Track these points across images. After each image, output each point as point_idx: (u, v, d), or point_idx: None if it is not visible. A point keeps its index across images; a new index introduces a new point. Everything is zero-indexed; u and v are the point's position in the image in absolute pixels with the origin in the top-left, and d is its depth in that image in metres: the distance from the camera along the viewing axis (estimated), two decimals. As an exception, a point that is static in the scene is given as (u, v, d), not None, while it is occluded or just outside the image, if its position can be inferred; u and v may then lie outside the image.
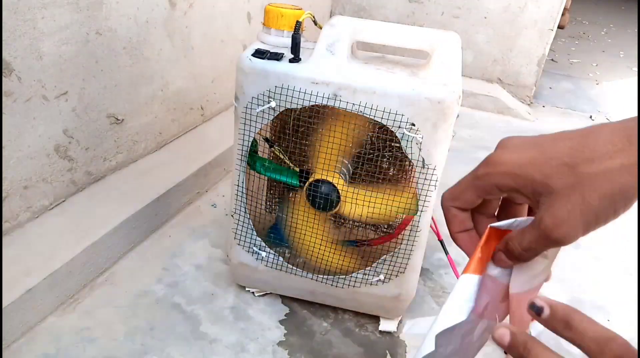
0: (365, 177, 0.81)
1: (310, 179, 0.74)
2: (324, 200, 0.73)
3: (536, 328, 0.36)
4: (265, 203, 0.89)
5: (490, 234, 0.34)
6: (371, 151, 0.79)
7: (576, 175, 0.28)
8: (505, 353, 0.35)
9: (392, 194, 0.74)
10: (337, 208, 0.74)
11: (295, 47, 0.68)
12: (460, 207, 0.35)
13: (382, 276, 0.78)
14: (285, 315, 0.85)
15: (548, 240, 0.30)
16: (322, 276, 0.80)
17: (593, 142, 0.29)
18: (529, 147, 0.32)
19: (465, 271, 0.35)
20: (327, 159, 0.72)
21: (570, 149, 0.29)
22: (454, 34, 0.69)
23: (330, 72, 0.67)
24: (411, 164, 0.70)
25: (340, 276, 0.79)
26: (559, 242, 0.30)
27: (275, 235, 0.84)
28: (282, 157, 0.78)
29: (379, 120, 0.67)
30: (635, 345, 0.29)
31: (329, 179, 0.73)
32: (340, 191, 0.73)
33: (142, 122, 1.10)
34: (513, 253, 0.32)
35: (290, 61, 0.68)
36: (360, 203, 0.73)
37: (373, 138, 0.79)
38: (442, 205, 0.36)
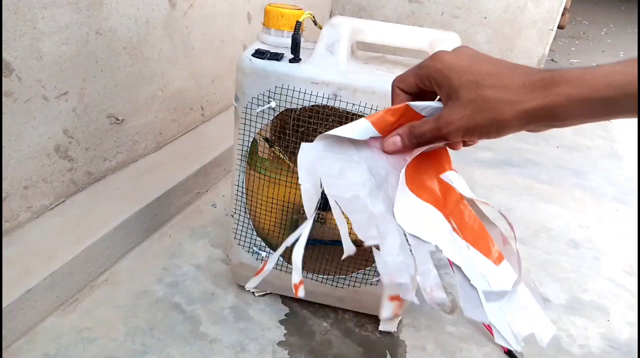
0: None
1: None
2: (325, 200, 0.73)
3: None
4: (266, 203, 0.89)
5: (406, 111, 0.40)
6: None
7: (478, 94, 0.35)
8: None
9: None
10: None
11: (295, 48, 0.68)
12: (404, 89, 0.42)
13: (382, 276, 0.78)
14: (285, 315, 0.85)
15: (438, 133, 0.38)
16: (322, 276, 0.80)
17: (504, 73, 0.35)
18: (470, 58, 0.37)
19: (367, 117, 0.42)
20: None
21: (487, 73, 0.35)
22: (454, 34, 0.69)
23: (330, 72, 0.67)
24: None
25: (341, 276, 0.80)
26: (444, 137, 0.38)
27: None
28: (282, 157, 0.78)
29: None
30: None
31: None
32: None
33: (142, 122, 1.10)
34: (413, 134, 0.40)
35: (290, 61, 0.68)
36: None
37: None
38: (391, 85, 0.42)
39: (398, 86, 0.42)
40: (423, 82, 0.40)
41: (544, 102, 0.33)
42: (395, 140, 0.41)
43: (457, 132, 0.37)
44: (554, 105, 0.32)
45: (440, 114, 0.38)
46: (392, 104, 0.42)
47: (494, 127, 0.36)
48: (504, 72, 0.35)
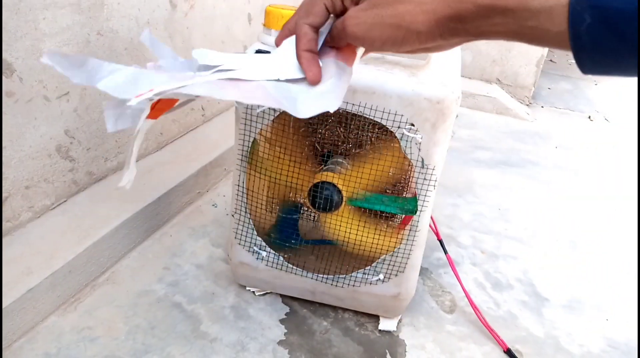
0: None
1: (309, 186, 0.74)
2: (325, 201, 0.74)
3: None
4: (266, 203, 0.89)
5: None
6: (371, 151, 0.80)
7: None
8: None
9: (387, 158, 0.74)
10: (342, 207, 0.74)
11: (296, 48, 0.68)
12: (312, 24, 0.38)
13: (381, 276, 0.78)
14: (285, 314, 0.86)
15: (342, 28, 0.36)
16: (322, 275, 0.81)
17: None
18: None
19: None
20: (294, 168, 0.72)
21: None
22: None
23: (331, 72, 0.67)
24: (410, 164, 0.70)
25: (341, 276, 0.80)
26: (346, 31, 0.36)
27: (275, 236, 0.84)
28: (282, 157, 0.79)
29: (379, 120, 0.67)
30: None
31: (323, 178, 0.73)
32: (341, 189, 0.73)
33: (142, 122, 1.10)
34: (331, 35, 0.38)
35: (291, 61, 0.68)
36: (364, 182, 0.73)
37: (373, 138, 0.80)
38: (296, 24, 0.39)
39: (306, 22, 0.38)
40: (333, 2, 0.37)
41: (452, 5, 0.32)
42: (327, 39, 0.40)
43: (359, 27, 0.35)
44: (461, 9, 0.32)
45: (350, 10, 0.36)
46: (298, 43, 0.39)
47: (402, 29, 0.34)
48: None
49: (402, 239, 0.76)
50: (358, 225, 0.76)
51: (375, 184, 0.74)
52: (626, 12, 0.27)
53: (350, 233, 0.76)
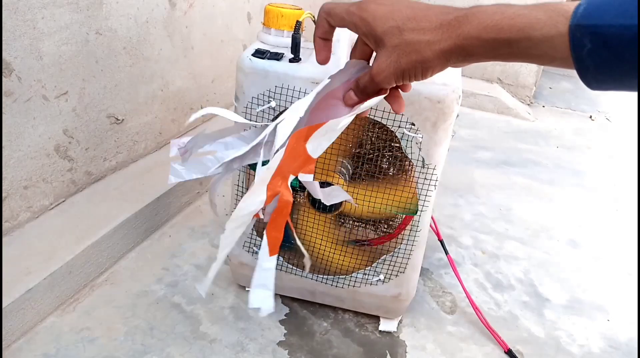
0: (365, 177, 0.81)
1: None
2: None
3: None
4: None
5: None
6: (371, 151, 0.79)
7: (400, 39, 0.37)
8: None
9: (391, 189, 0.74)
10: (340, 209, 0.74)
11: (295, 47, 0.68)
12: (330, 22, 0.43)
13: (382, 276, 0.78)
14: (285, 315, 0.85)
15: (373, 82, 0.40)
16: (322, 276, 0.80)
17: (421, 16, 0.37)
18: (391, 4, 0.39)
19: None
20: (325, 160, 0.72)
21: (407, 17, 0.37)
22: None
23: (331, 72, 0.66)
24: (411, 164, 0.70)
25: (341, 277, 0.80)
26: (379, 85, 0.40)
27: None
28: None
29: (379, 120, 0.67)
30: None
31: (329, 180, 0.73)
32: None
33: (142, 122, 1.10)
34: (359, 88, 0.42)
35: (290, 60, 0.68)
36: (361, 200, 0.73)
37: (373, 138, 0.79)
38: (319, 11, 0.43)
39: (326, 18, 0.43)
40: (348, 27, 0.42)
41: (458, 42, 0.35)
42: (351, 94, 0.44)
43: (388, 79, 0.39)
44: (467, 45, 0.35)
45: (373, 64, 0.40)
46: (316, 30, 0.43)
47: (419, 69, 0.38)
48: (421, 15, 0.37)
49: (370, 260, 0.77)
50: (371, 195, 0.75)
51: (346, 149, 0.74)
52: (624, 36, 0.29)
53: (369, 204, 0.75)
